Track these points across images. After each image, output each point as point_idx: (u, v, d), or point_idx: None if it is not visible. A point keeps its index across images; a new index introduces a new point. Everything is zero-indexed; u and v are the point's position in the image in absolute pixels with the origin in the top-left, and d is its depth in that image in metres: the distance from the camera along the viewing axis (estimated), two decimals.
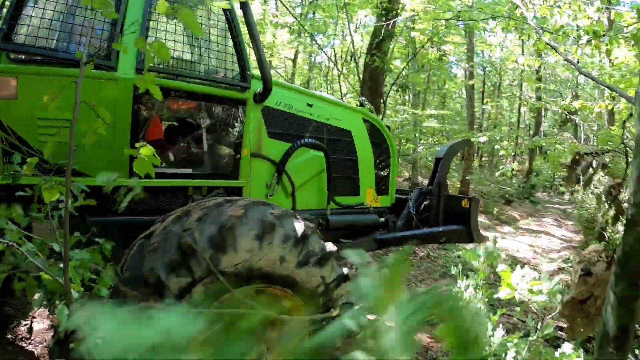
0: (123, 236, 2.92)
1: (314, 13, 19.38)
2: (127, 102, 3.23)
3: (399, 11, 10.44)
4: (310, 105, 4.53)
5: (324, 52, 13.43)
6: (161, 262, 2.45)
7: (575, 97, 16.66)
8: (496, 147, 12.50)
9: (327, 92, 20.24)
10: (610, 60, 5.22)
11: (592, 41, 3.88)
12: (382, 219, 5.06)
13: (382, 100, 11.19)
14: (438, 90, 25.39)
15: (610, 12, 4.60)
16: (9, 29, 3.02)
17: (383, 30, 9.74)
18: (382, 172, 5.17)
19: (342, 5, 11.38)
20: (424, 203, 5.32)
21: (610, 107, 6.85)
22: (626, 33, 3.77)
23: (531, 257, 10.33)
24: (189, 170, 3.58)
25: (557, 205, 20.21)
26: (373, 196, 5.00)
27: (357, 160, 4.87)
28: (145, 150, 2.02)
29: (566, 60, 3.63)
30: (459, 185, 16.06)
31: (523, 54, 20.57)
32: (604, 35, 3.89)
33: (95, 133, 2.39)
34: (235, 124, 3.75)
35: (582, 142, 20.64)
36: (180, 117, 3.84)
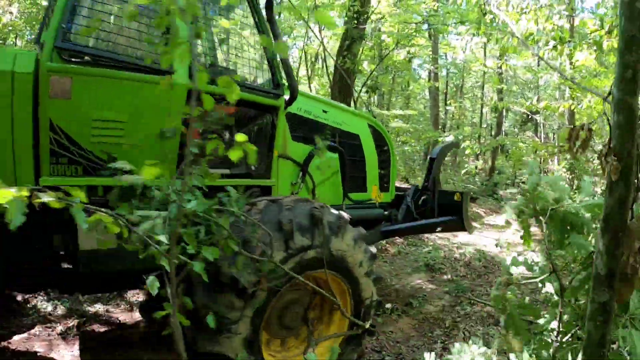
0: None
1: (279, 14, 19.48)
2: (180, 106, 3.28)
3: (369, 14, 10.70)
4: (325, 112, 4.99)
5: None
6: (296, 220, 3.14)
7: (537, 99, 17.33)
8: (463, 145, 12.90)
9: None
10: (571, 63, 5.57)
11: (558, 46, 4.20)
12: (385, 213, 5.62)
13: (353, 101, 11.40)
14: (402, 92, 25.83)
15: (572, 19, 4.94)
16: (68, 29, 3.00)
17: (354, 32, 9.95)
18: (383, 171, 5.72)
19: (313, 7, 11.54)
20: (422, 198, 5.87)
21: (573, 107, 7.32)
22: (589, 39, 4.07)
23: (498, 251, 10.71)
24: (227, 171, 3.71)
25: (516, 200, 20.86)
26: (377, 192, 5.52)
27: (364, 160, 5.37)
28: (240, 137, 2.11)
29: (547, 64, 3.91)
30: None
31: (486, 57, 21.23)
32: (569, 41, 4.20)
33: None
34: (268, 129, 4.03)
35: (543, 140, 21.43)
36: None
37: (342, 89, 10.74)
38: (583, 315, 2.07)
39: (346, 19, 11.01)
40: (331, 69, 13.75)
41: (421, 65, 21.98)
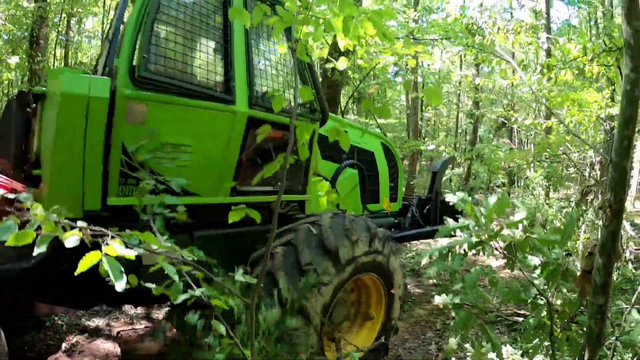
0: (224, 245, 3.71)
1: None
2: (240, 132, 3.62)
3: None
4: (346, 132, 4.89)
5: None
6: (335, 240, 3.56)
7: (512, 107, 17.83)
8: (444, 154, 13.29)
9: None
10: (550, 78, 5.93)
11: (544, 70, 4.52)
12: (395, 221, 6.22)
13: (340, 111, 11.59)
14: (378, 97, 26.15)
15: (551, 41, 5.27)
16: (146, 59, 3.15)
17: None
18: (393, 184, 6.31)
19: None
20: (426, 207, 6.55)
21: (549, 124, 7.77)
22: (571, 64, 4.39)
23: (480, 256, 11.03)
24: (271, 188, 4.09)
25: None
26: (388, 203, 6.09)
27: (378, 174, 5.93)
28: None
29: (533, 93, 4.21)
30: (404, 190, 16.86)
31: (462, 65, 21.74)
32: (555, 66, 4.52)
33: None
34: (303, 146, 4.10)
35: (516, 145, 22.02)
36: (267, 142, 4.14)
37: (329, 100, 10.93)
38: (567, 318, 2.54)
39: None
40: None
41: (399, 73, 22.27)
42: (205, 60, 3.66)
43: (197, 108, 3.39)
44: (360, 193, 5.53)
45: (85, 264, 1.60)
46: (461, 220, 2.42)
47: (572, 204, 11.59)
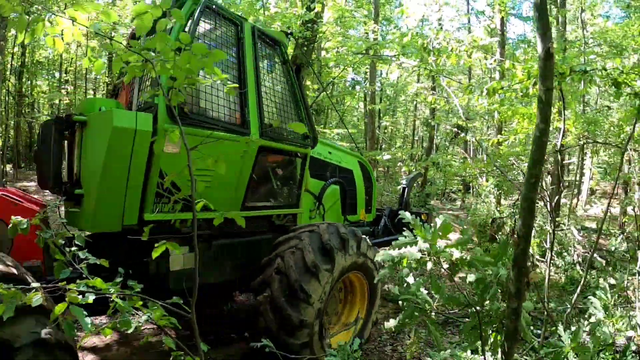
0: (236, 251, 4.61)
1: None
2: (252, 157, 4.43)
3: (317, 40, 11.15)
4: (330, 153, 6.35)
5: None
6: (334, 241, 4.47)
7: (468, 118, 18.46)
8: (400, 164, 13.71)
9: None
10: (500, 97, 6.32)
11: (490, 92, 4.88)
12: (370, 229, 7.03)
13: None
14: (337, 105, 26.52)
15: (498, 65, 5.64)
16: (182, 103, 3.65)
17: (302, 58, 10.31)
18: (368, 197, 7.11)
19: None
20: (397, 217, 6.68)
21: (494, 141, 8.27)
22: (517, 89, 4.75)
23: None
24: (271, 202, 4.94)
25: (450, 212, 22.12)
26: (364, 214, 6.92)
27: (356, 190, 6.72)
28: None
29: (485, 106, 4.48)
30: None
31: (419, 79, 22.33)
32: (501, 88, 4.87)
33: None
34: (299, 169, 5.21)
35: (471, 153, 22.78)
36: (270, 165, 4.97)
37: None
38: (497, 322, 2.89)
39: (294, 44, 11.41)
40: None
41: (358, 83, 22.72)
42: (225, 97, 4.29)
43: (220, 139, 4.01)
44: (341, 206, 6.33)
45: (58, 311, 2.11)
46: (411, 236, 2.73)
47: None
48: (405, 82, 26.24)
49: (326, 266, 4.34)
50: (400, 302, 2.93)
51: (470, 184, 20.70)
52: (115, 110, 3.56)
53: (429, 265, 2.59)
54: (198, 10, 4.02)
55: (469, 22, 22.26)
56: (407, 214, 2.86)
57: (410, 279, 2.98)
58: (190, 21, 4.00)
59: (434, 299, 2.90)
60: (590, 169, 17.50)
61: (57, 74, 26.18)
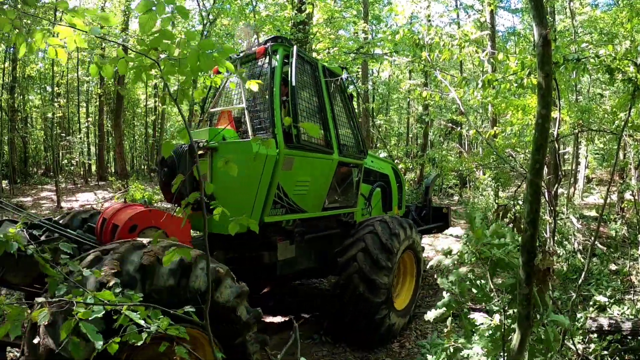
0: (317, 242, 5.97)
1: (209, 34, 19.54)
2: (332, 170, 5.63)
3: (309, 40, 11.14)
4: (372, 161, 7.54)
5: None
6: (397, 227, 5.88)
7: (461, 112, 18.48)
8: (396, 162, 13.72)
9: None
10: (494, 89, 6.36)
11: (486, 85, 4.89)
12: None
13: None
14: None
15: (491, 58, 5.66)
16: (293, 130, 4.80)
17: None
18: (399, 196, 8.33)
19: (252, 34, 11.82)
20: (423, 211, 8.90)
21: (491, 133, 8.36)
22: (511, 80, 4.77)
23: (433, 255, 11.44)
24: (339, 204, 6.10)
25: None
26: (397, 209, 8.12)
27: (391, 191, 7.94)
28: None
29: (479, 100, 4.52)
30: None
31: (411, 76, 22.33)
32: (496, 80, 4.88)
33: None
34: (357, 177, 6.37)
35: (466, 148, 22.79)
36: (340, 175, 6.05)
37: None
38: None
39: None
40: None
41: (351, 83, 22.66)
42: (316, 124, 5.32)
43: (316, 159, 5.30)
44: (382, 204, 7.63)
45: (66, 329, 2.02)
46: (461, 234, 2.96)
47: (520, 202, 12.24)
48: (398, 80, 26.26)
49: (395, 245, 5.68)
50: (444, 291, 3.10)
51: (467, 179, 20.71)
52: (253, 140, 4.42)
53: (470, 256, 2.79)
54: (294, 57, 5.06)
55: (457, 17, 22.32)
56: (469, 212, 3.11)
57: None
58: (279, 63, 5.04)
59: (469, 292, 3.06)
60: (586, 157, 17.55)
61: (48, 88, 26.10)
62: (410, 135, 34.75)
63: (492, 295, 2.93)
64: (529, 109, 9.18)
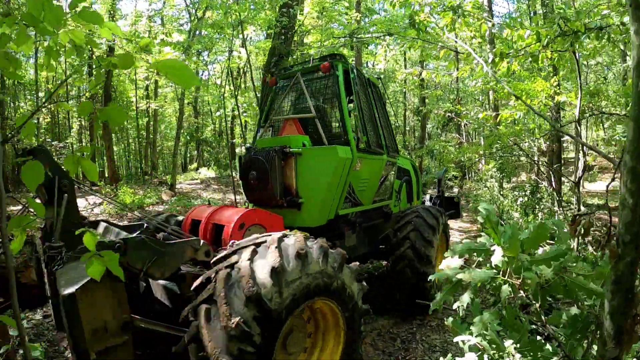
0: (369, 229, 6.60)
1: (199, 31, 18.98)
2: (382, 168, 6.39)
3: (296, 29, 10.58)
4: (398, 159, 7.94)
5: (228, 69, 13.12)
6: (437, 213, 6.78)
7: (459, 102, 17.96)
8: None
9: (222, 110, 19.96)
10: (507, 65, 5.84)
11: (496, 60, 4.32)
12: None
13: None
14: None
15: (499, 28, 5.10)
16: (360, 137, 5.64)
17: (281, 48, 9.77)
18: (417, 188, 9.13)
19: (237, 24, 11.25)
20: (437, 201, 9.74)
21: (505, 116, 7.95)
22: (526, 53, 4.20)
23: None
24: (382, 197, 6.83)
25: None
26: (416, 201, 8.96)
27: (412, 184, 8.76)
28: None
29: (493, 77, 3.98)
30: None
31: (406, 66, 21.77)
32: (508, 54, 4.32)
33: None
34: (393, 173, 7.18)
35: (465, 138, 22.27)
36: (384, 172, 6.72)
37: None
38: None
39: (272, 32, 10.85)
40: (257, 84, 13.53)
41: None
42: (372, 130, 6.15)
43: (374, 160, 6.05)
44: (407, 196, 8.45)
45: None
46: (480, 240, 2.00)
47: (527, 193, 11.73)
48: (393, 69, 25.70)
49: (436, 225, 6.60)
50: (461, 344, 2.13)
51: (466, 170, 20.19)
52: (337, 147, 5.24)
53: (505, 291, 1.79)
54: (355, 73, 5.88)
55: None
56: (482, 205, 2.12)
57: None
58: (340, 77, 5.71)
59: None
60: (595, 143, 16.99)
61: (40, 94, 25.52)
62: (407, 128, 34.26)
63: (546, 347, 1.96)
64: (533, 93, 8.63)
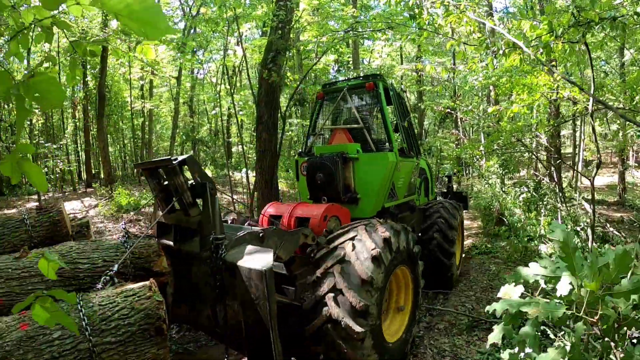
0: (404, 219, 7.35)
1: (194, 29, 18.77)
2: (412, 169, 7.42)
3: (293, 24, 10.38)
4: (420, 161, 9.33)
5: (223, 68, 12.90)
6: (457, 205, 9.03)
7: (457, 97, 17.81)
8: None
9: (218, 109, 19.75)
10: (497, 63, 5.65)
11: (506, 50, 4.15)
12: None
13: (280, 115, 10.98)
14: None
15: (500, 22, 4.93)
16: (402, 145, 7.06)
17: (278, 44, 9.56)
18: (431, 185, 9.98)
19: (232, 20, 11.03)
20: (448, 195, 11.06)
21: (515, 110, 7.94)
22: (535, 44, 4.03)
23: None
24: (409, 193, 7.74)
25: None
26: (430, 195, 9.91)
27: (428, 180, 9.61)
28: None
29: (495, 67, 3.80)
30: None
31: (402, 62, 21.59)
32: (513, 45, 4.15)
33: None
34: (417, 172, 8.14)
35: (462, 135, 22.11)
36: (412, 172, 7.78)
37: (268, 103, 10.31)
38: None
39: (268, 28, 10.65)
40: (254, 81, 13.33)
41: (340, 72, 21.98)
42: (405, 138, 7.24)
43: (408, 162, 7.10)
44: (425, 191, 9.29)
45: None
46: (540, 266, 1.77)
47: (530, 189, 11.60)
48: (391, 65, 25.51)
49: (457, 215, 8.24)
50: None
51: (464, 166, 20.04)
52: (388, 153, 6.41)
53: (579, 328, 1.52)
54: (392, 89, 7.10)
55: None
56: (557, 232, 1.87)
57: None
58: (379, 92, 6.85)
59: None
60: (583, 139, 16.86)
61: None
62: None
63: None
64: (535, 87, 8.47)
